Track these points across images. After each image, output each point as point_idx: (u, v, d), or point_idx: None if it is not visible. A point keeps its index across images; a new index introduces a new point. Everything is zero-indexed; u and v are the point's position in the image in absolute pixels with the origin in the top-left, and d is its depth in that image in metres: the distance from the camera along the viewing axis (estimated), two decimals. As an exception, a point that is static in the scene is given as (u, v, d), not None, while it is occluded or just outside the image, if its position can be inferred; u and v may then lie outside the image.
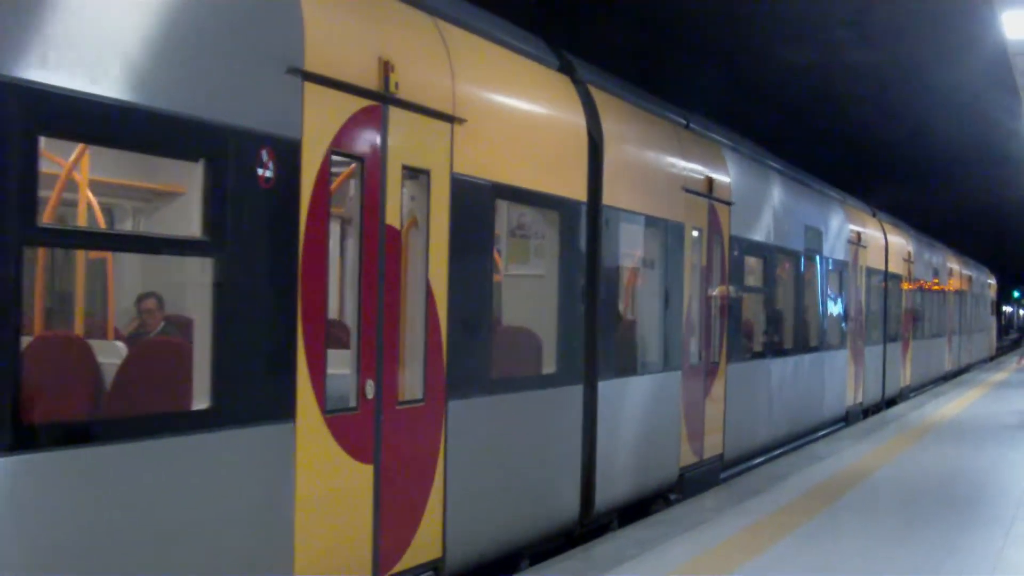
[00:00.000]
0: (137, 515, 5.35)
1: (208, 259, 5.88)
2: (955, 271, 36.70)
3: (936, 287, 32.26)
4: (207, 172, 5.84)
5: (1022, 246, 68.40)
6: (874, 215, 24.90)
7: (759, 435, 15.22)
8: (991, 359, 49.39)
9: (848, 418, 20.80)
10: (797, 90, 24.50)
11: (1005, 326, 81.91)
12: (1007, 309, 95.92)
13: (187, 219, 6.34)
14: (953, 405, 23.71)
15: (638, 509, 11.40)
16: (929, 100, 25.34)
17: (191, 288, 6.14)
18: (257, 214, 6.13)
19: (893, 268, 25.46)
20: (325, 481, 6.62)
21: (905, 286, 26.96)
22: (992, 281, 51.35)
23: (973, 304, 42.03)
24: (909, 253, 27.67)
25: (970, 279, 40.98)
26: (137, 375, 6.20)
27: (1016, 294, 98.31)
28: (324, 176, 6.59)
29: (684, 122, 13.27)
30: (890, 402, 25.14)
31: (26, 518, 4.85)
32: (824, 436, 18.38)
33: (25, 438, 4.84)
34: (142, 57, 5.43)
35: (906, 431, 18.46)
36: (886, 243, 24.80)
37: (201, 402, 5.81)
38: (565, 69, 10.29)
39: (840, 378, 20.22)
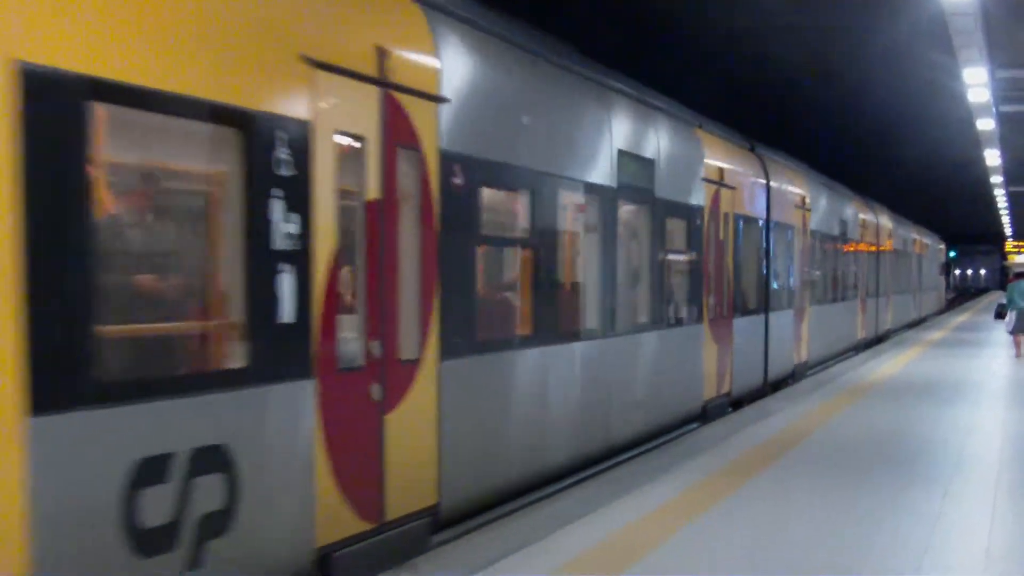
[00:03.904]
0: (679, 354, 14.55)
1: (698, 255, 14.94)
2: (917, 241, 46.30)
3: (905, 255, 41.80)
4: (689, 225, 14.88)
5: (960, 206, 71.45)
6: (869, 203, 34.23)
7: (822, 352, 24.56)
8: (941, 312, 59.15)
9: (858, 349, 30.18)
10: (733, 54, 25.18)
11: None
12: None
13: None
14: (894, 363, 23.93)
15: (776, 386, 20.63)
16: (866, 62, 26.54)
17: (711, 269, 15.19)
18: (694, 235, 15.20)
19: (882, 242, 34.89)
20: (707, 348, 15.73)
21: (888, 255, 36.41)
22: (942, 246, 61.13)
23: (929, 267, 51.77)
24: (890, 230, 37.10)
25: (927, 246, 50.68)
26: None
27: (952, 253, 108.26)
28: (712, 223, 15.69)
29: (784, 161, 22.44)
30: (880, 339, 34.57)
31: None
32: (847, 359, 27.71)
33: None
34: (679, 184, 14.52)
35: (849, 388, 18.92)
36: (877, 224, 34.18)
37: (683, 315, 14.90)
38: (751, 148, 19.40)
39: (854, 319, 29.64)
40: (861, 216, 30.91)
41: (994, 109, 25.19)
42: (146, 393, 5.72)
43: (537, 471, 10.21)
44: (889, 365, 23.32)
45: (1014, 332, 25.62)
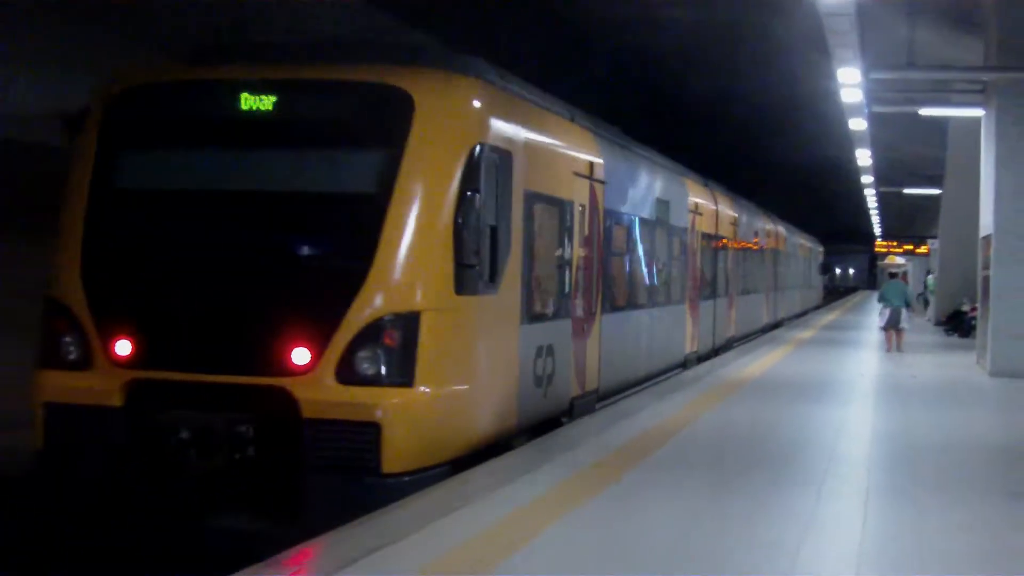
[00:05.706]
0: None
1: (684, 259, 23.21)
2: (803, 245, 55.53)
3: (795, 257, 50.90)
4: (682, 240, 23.13)
5: (832, 205, 76.33)
6: (771, 216, 43.07)
7: (743, 330, 33.20)
8: (819, 307, 68.65)
9: (764, 330, 38.96)
10: (609, 45, 25.48)
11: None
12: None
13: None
14: (763, 361, 24.75)
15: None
16: (744, 58, 27.54)
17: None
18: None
19: (779, 247, 43.84)
20: (687, 321, 24.03)
21: (783, 257, 45.38)
22: (821, 249, 70.70)
23: (811, 267, 61.19)
24: (784, 236, 46.08)
25: (810, 249, 60.07)
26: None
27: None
28: (691, 237, 23.99)
29: (725, 191, 30.90)
30: (776, 325, 43.43)
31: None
32: (756, 338, 36.37)
33: None
34: (678, 214, 22.82)
35: (716, 387, 19.09)
36: (776, 232, 43.08)
37: (678, 298, 23.16)
38: (707, 185, 27.75)
39: (762, 308, 38.49)
40: (766, 227, 39.72)
41: (866, 109, 25.24)
42: (538, 319, 13.80)
43: (631, 379, 18.47)
44: (763, 361, 25.14)
45: (886, 328, 28.46)
